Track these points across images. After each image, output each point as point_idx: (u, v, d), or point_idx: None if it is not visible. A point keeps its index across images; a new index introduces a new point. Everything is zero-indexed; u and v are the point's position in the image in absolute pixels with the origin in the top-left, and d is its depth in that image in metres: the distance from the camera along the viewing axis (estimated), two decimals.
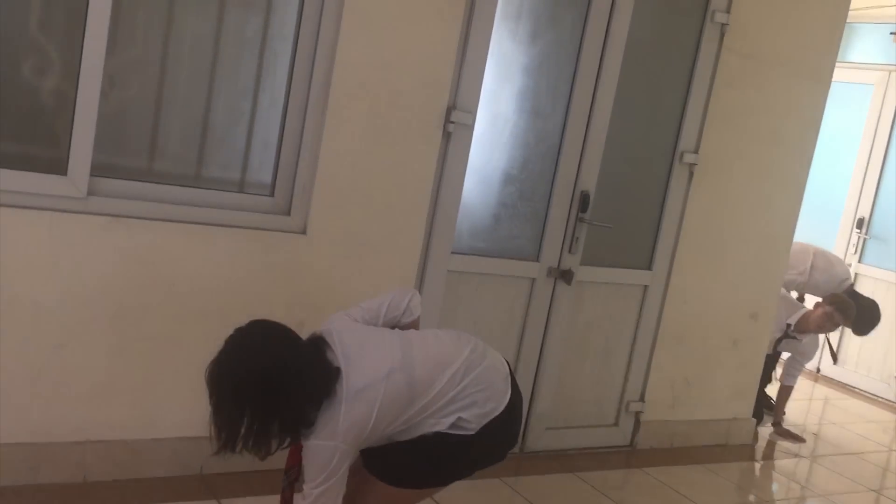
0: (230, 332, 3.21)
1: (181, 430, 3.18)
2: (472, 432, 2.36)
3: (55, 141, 2.88)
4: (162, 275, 3.04)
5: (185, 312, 3.11)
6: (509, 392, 2.47)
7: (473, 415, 2.36)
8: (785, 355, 5.39)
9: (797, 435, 5.18)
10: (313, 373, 2.23)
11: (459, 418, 2.35)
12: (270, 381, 2.18)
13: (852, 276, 6.72)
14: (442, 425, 2.34)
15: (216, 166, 3.25)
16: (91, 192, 2.91)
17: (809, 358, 5.35)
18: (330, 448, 2.21)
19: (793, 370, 5.23)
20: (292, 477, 2.44)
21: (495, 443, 2.48)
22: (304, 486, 2.25)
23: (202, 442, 3.21)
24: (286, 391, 2.18)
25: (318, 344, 2.32)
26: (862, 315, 5.32)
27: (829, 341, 5.82)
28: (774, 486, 4.53)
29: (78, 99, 2.84)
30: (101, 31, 2.82)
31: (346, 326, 2.43)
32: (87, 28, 2.80)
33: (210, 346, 3.16)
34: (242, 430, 2.20)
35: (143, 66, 3.04)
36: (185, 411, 3.17)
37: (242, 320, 3.21)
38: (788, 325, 5.17)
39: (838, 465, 4.88)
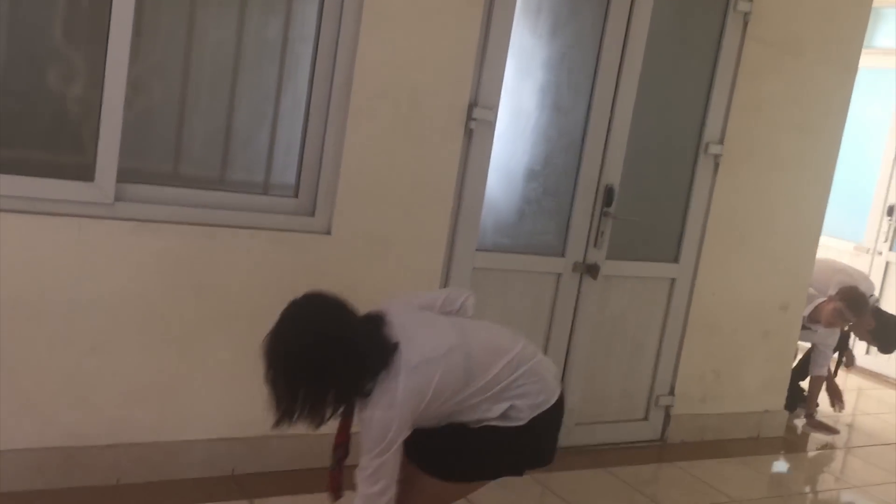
0: (261, 333, 3.25)
1: (213, 432, 3.21)
2: (523, 423, 2.39)
3: (82, 148, 2.92)
4: (190, 278, 3.07)
5: (213, 314, 3.13)
6: (559, 390, 2.51)
7: (526, 405, 2.39)
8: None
9: (831, 426, 5.12)
10: (369, 344, 2.27)
11: (512, 406, 2.38)
12: (324, 352, 2.23)
13: (884, 264, 6.65)
14: (494, 412, 2.36)
15: (240, 169, 3.27)
16: (118, 198, 2.94)
17: (832, 346, 5.26)
18: (387, 419, 2.24)
19: (820, 360, 5.15)
20: (339, 455, 2.47)
21: (543, 437, 2.50)
22: (362, 459, 2.28)
23: (234, 443, 3.25)
24: (340, 362, 2.23)
25: (375, 319, 2.36)
26: (886, 333, 5.23)
27: (842, 350, 5.63)
28: (806, 480, 4.48)
29: (103, 106, 2.86)
30: (125, 38, 2.85)
31: (404, 307, 2.50)
32: (110, 35, 2.83)
33: (239, 347, 3.20)
34: (299, 401, 2.26)
35: (166, 71, 3.07)
36: (217, 412, 3.20)
37: (270, 322, 3.23)
38: (802, 317, 5.11)
39: (873, 455, 4.81)
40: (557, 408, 2.47)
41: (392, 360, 2.26)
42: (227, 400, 3.23)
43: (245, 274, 3.16)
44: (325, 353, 2.23)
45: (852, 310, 4.94)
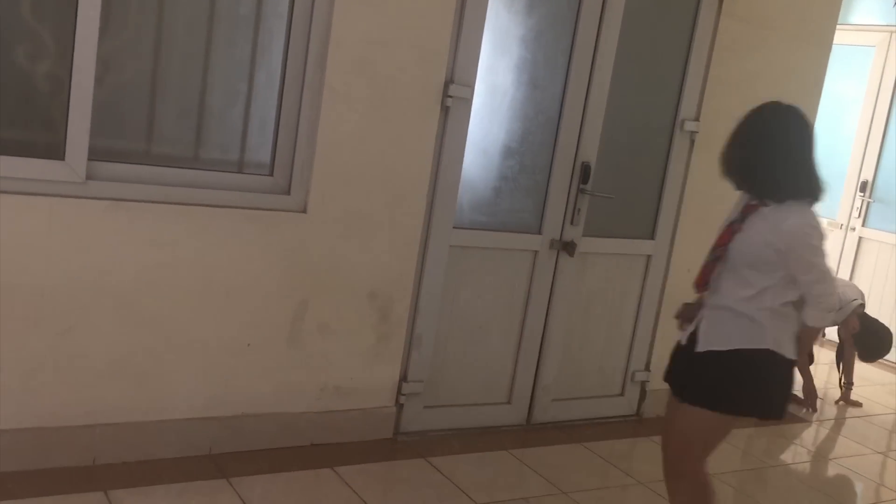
0: (236, 312, 3.26)
1: (189, 411, 3.20)
2: (790, 358, 2.56)
3: (52, 126, 2.87)
4: (164, 257, 3.05)
5: (188, 293, 3.11)
6: None
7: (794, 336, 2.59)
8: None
9: (855, 401, 5.28)
10: (810, 170, 2.56)
11: (805, 315, 2.55)
12: (793, 138, 2.58)
13: (857, 239, 6.73)
14: (793, 296, 2.54)
15: (214, 147, 3.24)
16: (90, 177, 2.90)
17: None
18: (812, 227, 2.51)
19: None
20: (717, 254, 2.65)
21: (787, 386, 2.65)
22: (814, 263, 2.50)
23: (211, 422, 3.25)
24: (786, 152, 2.54)
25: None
26: (867, 341, 5.31)
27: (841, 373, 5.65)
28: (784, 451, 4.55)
29: (73, 83, 2.82)
30: (94, 15, 2.80)
31: None
32: (79, 12, 2.78)
33: (215, 325, 3.19)
34: (737, 161, 2.64)
35: (137, 48, 3.03)
36: (193, 392, 3.20)
37: (246, 300, 3.23)
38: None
39: (846, 428, 4.90)
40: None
41: (810, 198, 2.55)
42: (204, 379, 3.22)
43: (220, 252, 3.14)
44: (782, 135, 2.56)
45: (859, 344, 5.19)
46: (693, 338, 2.65)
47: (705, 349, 2.60)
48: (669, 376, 2.79)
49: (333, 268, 3.39)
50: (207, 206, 3.10)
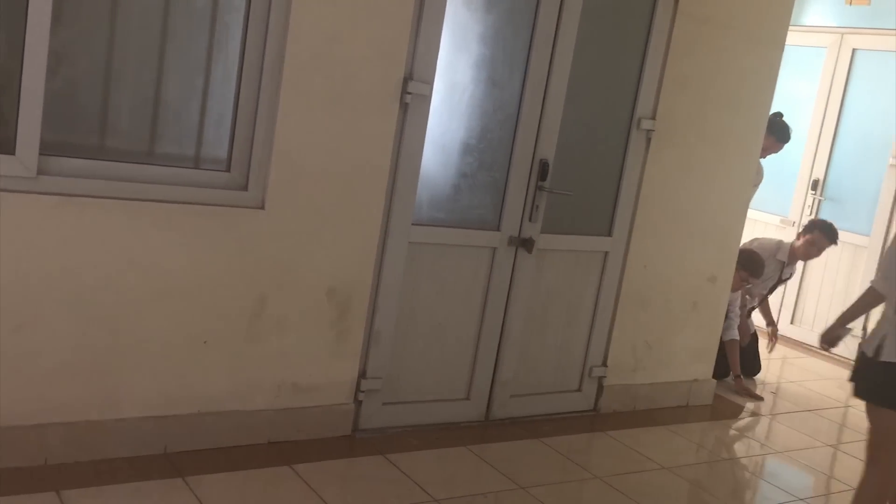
0: (192, 309, 3.23)
1: (144, 410, 3.16)
2: None
3: (2, 120, 2.81)
4: (118, 254, 3.00)
5: (142, 290, 3.07)
6: None
7: None
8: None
9: (756, 394, 5.31)
10: None
11: None
12: None
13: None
14: None
15: (170, 142, 3.20)
16: (41, 172, 2.85)
17: (735, 310, 5.49)
18: None
19: (726, 324, 5.35)
20: None
21: None
22: None
23: (166, 420, 3.21)
24: None
25: None
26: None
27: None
28: (736, 445, 4.63)
29: (23, 76, 2.76)
30: (45, 5, 2.75)
31: None
32: (30, 2, 2.73)
33: (170, 323, 3.15)
34: None
35: (91, 40, 2.98)
36: (148, 390, 3.16)
37: (202, 297, 3.20)
38: (782, 262, 5.56)
39: (796, 421, 5.00)
40: None
41: None
42: (159, 377, 3.18)
43: (176, 249, 3.11)
44: None
45: (747, 270, 5.32)
46: (878, 350, 3.01)
47: (889, 360, 2.96)
48: (856, 380, 3.16)
49: (292, 264, 3.37)
50: (163, 201, 3.06)
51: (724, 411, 5.00)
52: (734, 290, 5.23)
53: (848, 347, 6.54)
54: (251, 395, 3.38)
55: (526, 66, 3.84)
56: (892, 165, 6.39)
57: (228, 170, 3.24)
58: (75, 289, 2.95)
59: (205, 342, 3.23)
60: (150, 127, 3.15)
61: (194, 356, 3.23)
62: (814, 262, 6.83)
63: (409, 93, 3.50)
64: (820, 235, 5.61)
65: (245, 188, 3.25)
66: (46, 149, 2.85)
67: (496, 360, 4.08)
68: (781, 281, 5.91)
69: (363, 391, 3.69)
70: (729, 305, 5.34)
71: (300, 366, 3.48)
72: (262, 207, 3.26)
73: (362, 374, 3.68)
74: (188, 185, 3.14)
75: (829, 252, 6.71)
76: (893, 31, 6.47)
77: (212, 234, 3.17)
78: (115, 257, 3.00)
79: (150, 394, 3.16)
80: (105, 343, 3.04)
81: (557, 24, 3.86)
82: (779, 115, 5.47)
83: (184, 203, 3.11)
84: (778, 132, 5.49)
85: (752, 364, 5.69)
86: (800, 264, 6.32)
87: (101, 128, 3.07)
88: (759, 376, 5.74)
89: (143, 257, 3.05)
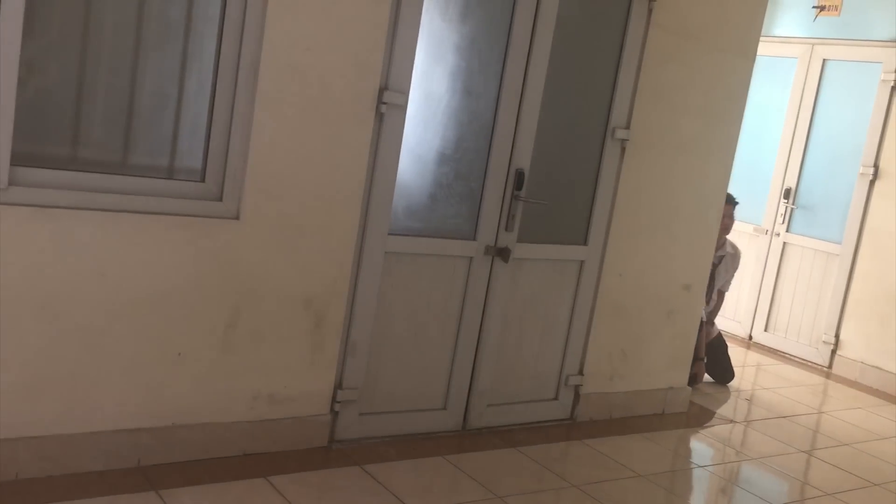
0: (167, 320, 3.19)
1: (117, 423, 3.13)
2: None
3: None
4: (91, 265, 2.97)
5: (116, 302, 3.04)
6: None
7: None
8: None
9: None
10: None
11: None
12: None
13: (782, 244, 6.95)
14: None
15: (143, 153, 3.18)
16: (13, 182, 2.81)
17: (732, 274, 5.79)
18: None
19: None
20: None
21: None
22: None
23: (139, 433, 3.18)
24: None
25: None
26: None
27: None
28: (710, 452, 4.66)
29: None
30: (17, 16, 2.72)
31: None
32: (1, 11, 2.70)
33: (143, 335, 3.12)
34: None
35: (63, 50, 2.95)
36: (120, 403, 3.12)
37: (177, 308, 3.18)
38: None
39: (771, 428, 5.04)
40: None
41: None
42: (132, 389, 3.15)
43: (149, 260, 3.08)
44: None
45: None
46: None
47: None
48: None
49: (267, 275, 3.36)
50: (136, 212, 3.04)
51: (699, 418, 5.04)
52: (724, 231, 5.51)
53: (820, 354, 6.64)
54: (226, 406, 3.36)
55: (501, 76, 3.85)
56: (862, 174, 6.48)
57: (203, 180, 3.23)
58: (47, 300, 2.91)
59: (179, 353, 3.21)
60: (124, 137, 3.12)
61: (168, 368, 3.20)
62: (788, 270, 6.92)
63: (385, 102, 3.50)
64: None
65: (220, 198, 3.24)
66: (18, 160, 2.82)
67: (473, 369, 4.09)
68: (717, 266, 5.77)
69: (339, 402, 3.67)
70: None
71: (276, 377, 3.46)
72: (237, 218, 3.25)
73: (339, 385, 3.67)
74: (162, 196, 3.12)
75: (802, 260, 6.81)
76: (863, 42, 6.57)
77: (186, 245, 3.14)
78: (87, 268, 2.97)
79: (123, 406, 3.13)
80: (77, 355, 3.01)
81: (532, 35, 3.88)
82: None
83: (158, 214, 3.08)
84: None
85: (724, 371, 5.74)
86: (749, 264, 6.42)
87: (74, 138, 3.05)
88: (732, 383, 5.79)
89: (117, 268, 3.02)
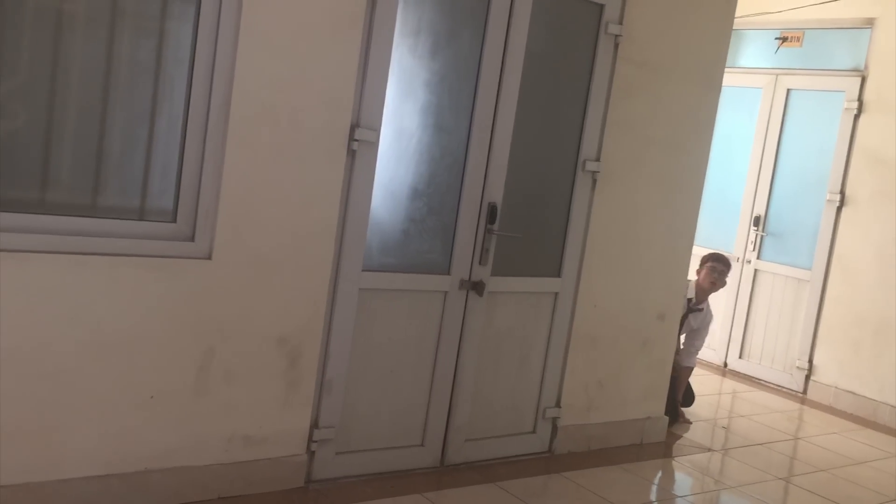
0: (139, 363, 3.14)
1: (88, 469, 3.07)
2: None
3: None
4: (61, 309, 2.93)
5: (87, 347, 3.00)
6: None
7: None
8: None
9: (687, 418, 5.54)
10: None
11: None
12: None
13: (753, 271, 7.02)
14: None
15: (114, 195, 3.16)
16: None
17: (703, 336, 5.66)
18: None
19: (692, 350, 5.57)
20: None
21: None
22: None
23: (112, 479, 3.13)
24: None
25: None
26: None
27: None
28: (689, 481, 4.66)
29: None
30: None
31: None
32: None
33: (115, 379, 3.08)
34: None
35: (31, 93, 2.94)
36: (93, 448, 3.07)
37: (149, 350, 3.14)
38: (689, 300, 5.49)
39: (748, 456, 5.05)
40: None
41: None
42: (103, 434, 3.10)
43: (121, 303, 3.05)
44: None
45: (721, 262, 5.56)
46: None
47: None
48: None
49: (241, 314, 3.33)
50: (107, 255, 3.01)
51: (677, 448, 5.04)
52: (712, 285, 5.53)
53: (795, 380, 6.68)
54: (200, 449, 3.31)
55: (472, 112, 3.89)
56: (829, 200, 6.59)
57: (174, 220, 3.21)
58: (15, 347, 2.87)
59: (151, 397, 3.16)
60: (94, 179, 3.10)
61: (140, 412, 3.16)
62: (760, 296, 6.98)
63: (357, 140, 3.51)
64: (714, 263, 5.59)
65: (192, 239, 3.22)
66: None
67: (450, 404, 4.07)
68: (688, 316, 5.51)
69: (316, 441, 3.63)
70: (699, 326, 5.59)
71: (251, 418, 3.42)
72: (210, 258, 3.22)
73: (314, 424, 3.63)
74: (133, 238, 3.10)
75: (774, 287, 6.88)
76: (825, 71, 6.71)
77: (158, 286, 3.12)
78: (57, 313, 2.93)
79: (94, 452, 3.07)
80: (47, 401, 2.96)
81: (501, 70, 3.92)
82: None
83: (129, 255, 3.06)
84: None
85: (687, 394, 5.69)
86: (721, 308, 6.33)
87: (43, 181, 3.02)
88: (691, 408, 5.73)
89: (87, 312, 2.99)
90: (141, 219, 3.17)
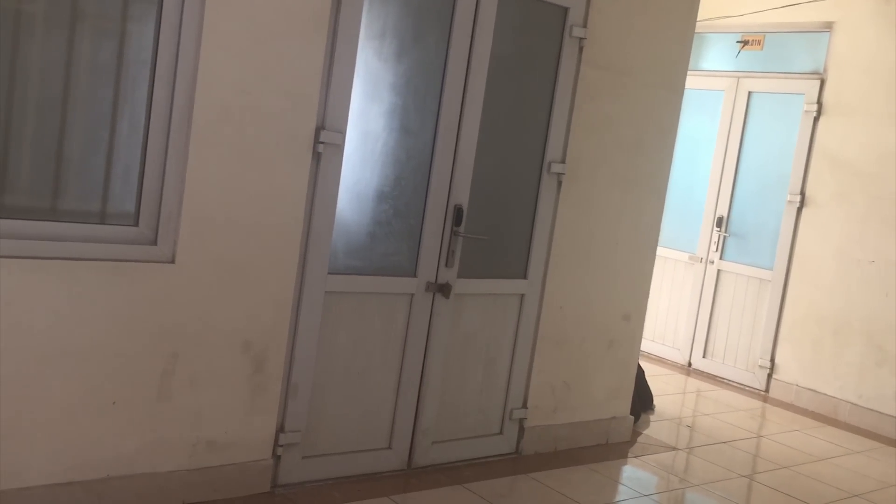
0: (100, 369, 3.09)
1: (49, 477, 3.02)
2: None
3: None
4: (19, 315, 2.88)
5: (46, 352, 2.95)
6: None
7: None
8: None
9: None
10: None
11: None
12: None
13: (716, 272, 7.10)
14: None
15: (74, 198, 3.11)
16: None
17: None
18: None
19: None
20: None
21: None
22: None
23: (73, 487, 3.08)
24: None
25: None
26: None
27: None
28: (654, 480, 4.70)
29: None
30: None
31: None
32: None
33: (75, 385, 3.03)
34: None
35: None
36: (53, 456, 3.02)
37: (111, 356, 3.10)
38: None
39: (712, 454, 5.11)
40: None
41: None
42: (65, 441, 3.05)
43: (81, 308, 3.00)
44: None
45: None
46: None
47: None
48: None
49: (204, 319, 3.30)
50: (66, 259, 2.97)
51: (642, 447, 5.08)
52: None
53: (757, 378, 6.77)
54: (164, 455, 3.27)
55: (438, 114, 3.89)
56: (790, 202, 6.68)
57: (137, 224, 3.16)
58: None
59: (114, 403, 3.12)
60: (53, 183, 3.05)
61: (102, 418, 3.11)
62: (723, 296, 7.07)
63: (322, 142, 3.49)
64: None
65: (154, 242, 3.18)
66: None
67: (417, 407, 4.06)
68: None
69: (282, 445, 3.61)
70: None
71: (215, 423, 3.38)
72: (173, 262, 3.19)
73: (280, 429, 3.61)
74: (94, 242, 3.05)
75: (736, 287, 6.97)
76: (785, 74, 6.81)
77: (119, 291, 3.07)
78: (14, 319, 2.88)
79: (55, 460, 3.02)
80: (4, 408, 2.90)
81: (467, 73, 3.93)
82: None
83: (90, 260, 3.01)
84: None
85: (644, 395, 5.70)
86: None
87: (0, 185, 2.96)
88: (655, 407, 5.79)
89: (47, 317, 2.94)
90: (102, 222, 3.13)
